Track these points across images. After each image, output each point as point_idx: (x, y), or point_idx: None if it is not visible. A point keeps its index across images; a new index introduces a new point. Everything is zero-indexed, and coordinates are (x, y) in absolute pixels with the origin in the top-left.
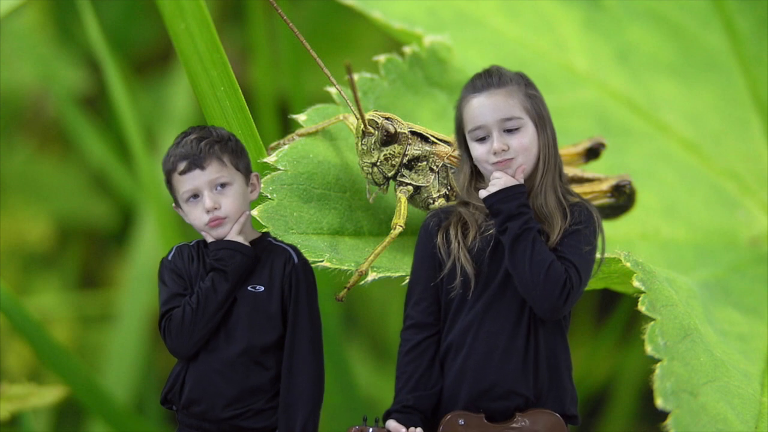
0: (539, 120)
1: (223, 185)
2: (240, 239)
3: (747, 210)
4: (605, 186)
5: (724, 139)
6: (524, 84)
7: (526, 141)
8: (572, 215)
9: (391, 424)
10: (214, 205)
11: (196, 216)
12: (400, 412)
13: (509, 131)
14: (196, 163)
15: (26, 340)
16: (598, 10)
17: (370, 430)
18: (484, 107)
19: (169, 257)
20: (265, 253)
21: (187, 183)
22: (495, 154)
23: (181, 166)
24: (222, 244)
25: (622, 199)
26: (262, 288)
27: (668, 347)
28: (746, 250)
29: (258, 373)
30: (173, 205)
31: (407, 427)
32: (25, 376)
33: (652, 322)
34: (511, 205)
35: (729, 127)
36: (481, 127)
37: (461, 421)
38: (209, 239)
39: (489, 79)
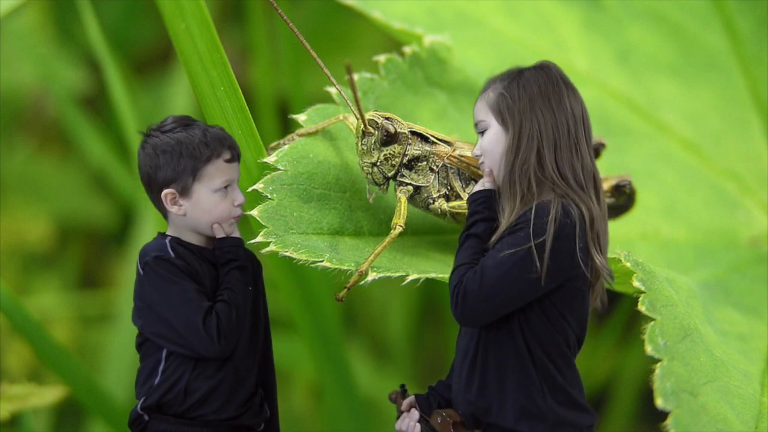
0: (502, 118)
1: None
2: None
3: (747, 210)
4: (605, 186)
5: (724, 139)
6: (508, 81)
7: (485, 142)
8: (519, 215)
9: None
10: (243, 200)
11: (225, 208)
12: (429, 390)
13: (481, 134)
14: (237, 155)
15: (26, 340)
16: (598, 10)
17: (405, 398)
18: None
19: (172, 254)
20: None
21: (228, 172)
22: (476, 156)
23: (228, 154)
24: (233, 241)
25: (622, 199)
26: (250, 287)
27: (668, 347)
28: (746, 250)
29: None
30: (167, 191)
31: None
32: (25, 376)
33: (652, 322)
34: (469, 211)
35: (729, 127)
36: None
37: (438, 419)
38: (219, 234)
39: (485, 87)
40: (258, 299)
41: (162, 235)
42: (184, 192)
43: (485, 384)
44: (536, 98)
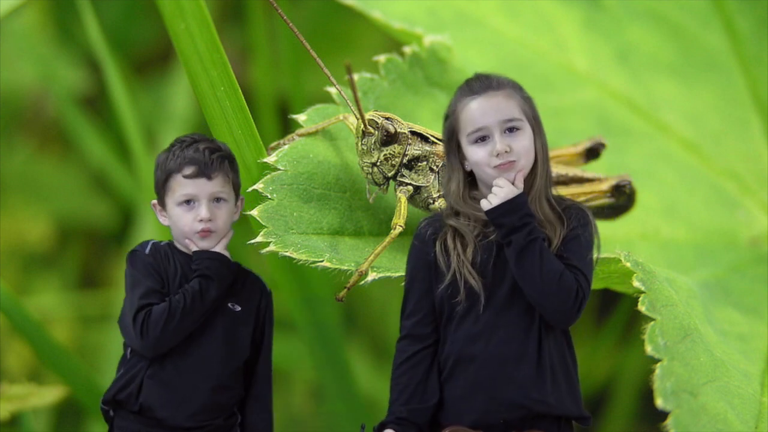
0: (536, 123)
1: (219, 200)
2: (226, 254)
3: (747, 210)
4: (605, 186)
5: (724, 139)
6: (519, 87)
7: (527, 143)
8: (569, 219)
9: None
10: (211, 216)
11: (187, 222)
12: (396, 423)
13: (510, 133)
14: (205, 171)
15: (26, 340)
16: (598, 10)
17: None
18: (484, 109)
19: (146, 251)
20: (240, 275)
21: (188, 187)
22: (498, 156)
23: (189, 170)
24: (209, 254)
25: (622, 199)
26: (239, 308)
27: (668, 347)
28: (746, 250)
29: (224, 389)
30: (154, 202)
31: None
32: (25, 376)
33: (652, 322)
34: (514, 217)
35: (729, 127)
36: (481, 128)
37: None
38: (192, 247)
39: (487, 81)
40: (245, 322)
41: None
42: (161, 204)
43: (556, 379)
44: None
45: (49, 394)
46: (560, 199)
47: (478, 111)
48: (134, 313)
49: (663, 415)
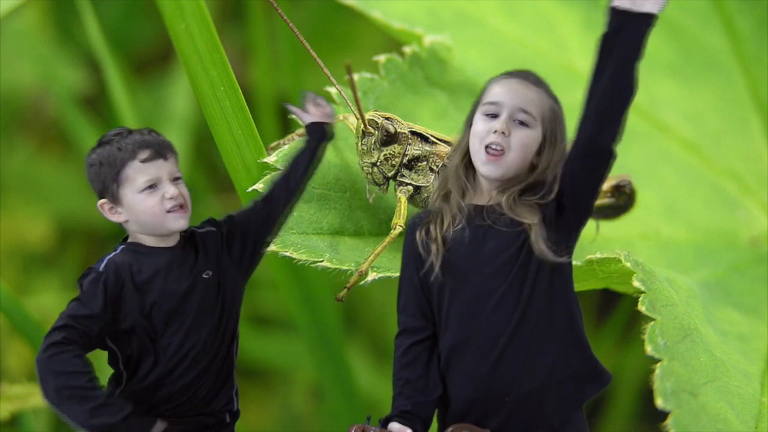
0: (550, 135)
1: (177, 179)
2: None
3: (747, 210)
4: (605, 186)
5: (724, 139)
6: (555, 99)
7: (527, 141)
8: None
9: (395, 425)
10: (177, 192)
11: (153, 204)
12: (400, 416)
13: (517, 125)
14: (160, 152)
15: (26, 340)
16: (598, 10)
17: (373, 429)
18: (509, 87)
19: (107, 273)
20: (193, 241)
21: (148, 171)
22: (494, 133)
23: (145, 153)
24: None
25: (622, 199)
26: (211, 272)
27: (668, 347)
28: (746, 250)
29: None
30: (102, 201)
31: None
32: (25, 376)
33: (652, 322)
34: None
35: (729, 127)
36: (495, 103)
37: None
38: (165, 228)
39: (529, 74)
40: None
41: (121, 242)
42: (115, 199)
43: (554, 344)
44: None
45: None
46: None
47: (502, 87)
48: (51, 329)
49: (663, 415)
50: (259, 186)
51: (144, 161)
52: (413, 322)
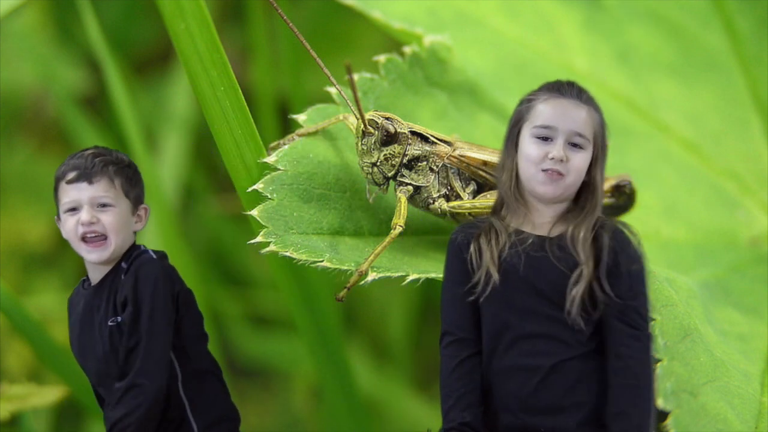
0: (601, 152)
1: (104, 205)
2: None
3: (747, 210)
4: (605, 186)
5: (724, 139)
6: (601, 113)
7: (582, 165)
8: (605, 246)
9: None
10: (91, 219)
11: (71, 227)
12: (459, 429)
13: (572, 147)
14: (85, 175)
15: (26, 340)
16: (598, 10)
17: None
18: (562, 110)
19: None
20: (116, 280)
21: (70, 193)
22: (552, 159)
23: (70, 175)
24: None
25: (622, 199)
26: (120, 318)
27: (668, 347)
28: (746, 250)
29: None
30: (55, 217)
31: None
32: (25, 376)
33: (652, 322)
34: None
35: (729, 127)
36: (550, 127)
37: None
38: (88, 267)
39: (577, 91)
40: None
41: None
42: (58, 216)
43: (585, 388)
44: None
45: (49, 394)
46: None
47: (554, 109)
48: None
49: (663, 415)
50: (259, 186)
51: (69, 182)
52: (468, 334)
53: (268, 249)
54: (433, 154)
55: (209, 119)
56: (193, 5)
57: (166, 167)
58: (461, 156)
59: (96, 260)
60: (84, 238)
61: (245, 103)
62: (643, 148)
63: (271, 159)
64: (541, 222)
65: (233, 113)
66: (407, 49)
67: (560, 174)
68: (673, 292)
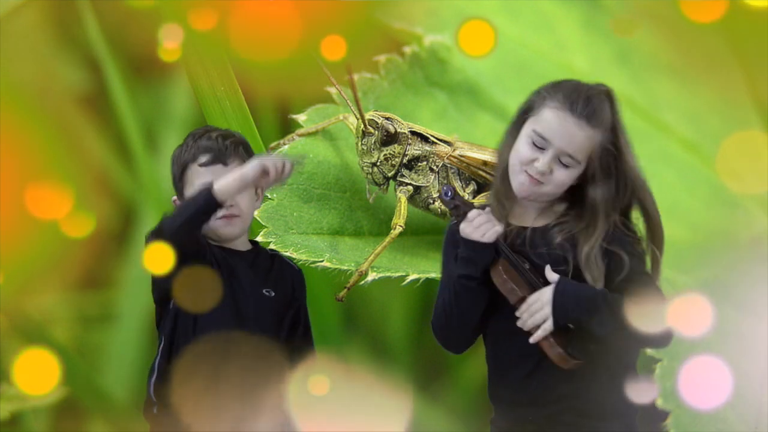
0: (600, 172)
1: None
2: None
3: (747, 210)
4: None
5: (724, 139)
6: (609, 132)
7: (564, 179)
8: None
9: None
10: (231, 201)
11: None
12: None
13: (560, 162)
14: (220, 157)
15: (26, 340)
16: (598, 10)
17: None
18: (564, 128)
19: None
20: (269, 259)
21: (206, 176)
22: (536, 168)
23: (204, 158)
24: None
25: None
26: (273, 293)
27: (668, 347)
28: (746, 250)
29: None
30: (174, 198)
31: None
32: None
33: None
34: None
35: (729, 127)
36: (545, 139)
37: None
38: (215, 234)
39: (589, 110)
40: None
41: None
42: (181, 198)
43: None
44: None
45: (49, 394)
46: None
47: (557, 122)
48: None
49: (663, 414)
50: None
51: (202, 165)
52: None
53: (267, 249)
54: (433, 154)
55: (209, 119)
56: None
57: (166, 167)
58: (461, 156)
59: (228, 236)
60: (226, 217)
61: (245, 103)
62: (643, 148)
63: None
64: (523, 213)
65: (233, 113)
66: (407, 49)
67: (539, 182)
68: (672, 291)
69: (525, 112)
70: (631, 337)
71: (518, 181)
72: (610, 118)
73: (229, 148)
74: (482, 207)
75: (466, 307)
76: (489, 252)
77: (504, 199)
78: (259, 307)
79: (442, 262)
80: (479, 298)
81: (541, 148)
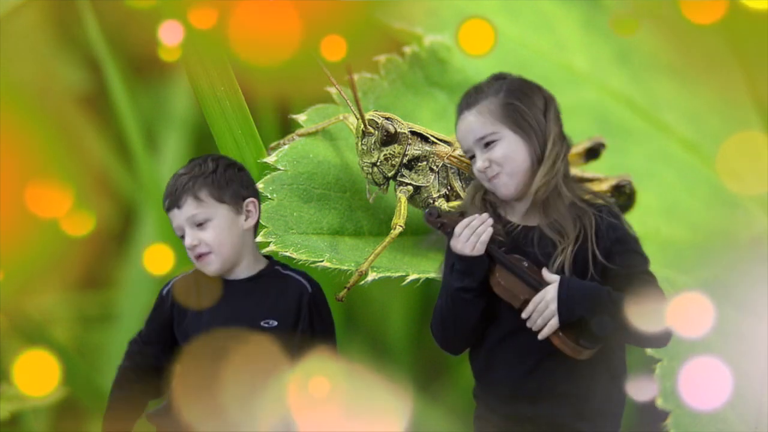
0: (520, 128)
1: (200, 223)
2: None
3: (747, 210)
4: (605, 186)
5: (724, 139)
6: (504, 93)
7: (504, 151)
8: (587, 220)
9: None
10: (193, 242)
11: (188, 251)
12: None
13: (488, 146)
14: (173, 201)
15: (26, 340)
16: (598, 10)
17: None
18: (462, 131)
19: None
20: (274, 284)
21: (173, 221)
22: (480, 172)
23: (165, 204)
24: None
25: (622, 199)
26: (276, 323)
27: (668, 347)
28: (746, 250)
29: None
30: None
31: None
32: None
33: None
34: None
35: (729, 127)
36: (467, 150)
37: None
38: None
39: (466, 98)
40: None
41: None
42: None
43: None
44: (541, 105)
45: (50, 394)
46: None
47: (459, 134)
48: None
49: (663, 414)
50: (259, 186)
51: (167, 211)
52: None
53: (268, 249)
54: (433, 154)
55: (209, 119)
56: None
57: (166, 167)
58: (461, 156)
59: (213, 273)
60: (197, 258)
61: (245, 103)
62: (643, 148)
63: (271, 159)
64: (514, 211)
65: (233, 113)
66: (407, 49)
67: (495, 175)
68: (672, 291)
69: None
70: (631, 337)
71: (491, 189)
72: (489, 85)
73: (179, 188)
74: (461, 214)
75: (463, 316)
76: (482, 262)
77: (498, 207)
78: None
79: (443, 264)
80: (475, 308)
81: (473, 156)
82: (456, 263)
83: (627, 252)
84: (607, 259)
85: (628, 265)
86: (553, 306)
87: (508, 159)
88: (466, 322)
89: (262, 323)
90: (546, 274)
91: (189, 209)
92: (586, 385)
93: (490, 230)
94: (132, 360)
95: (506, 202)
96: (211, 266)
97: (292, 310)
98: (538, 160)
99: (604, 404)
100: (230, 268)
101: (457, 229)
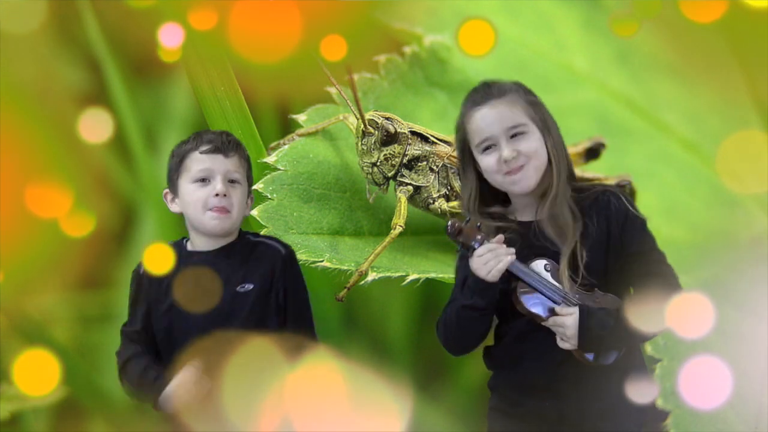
0: (543, 125)
1: (233, 182)
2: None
3: (747, 210)
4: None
5: (724, 139)
6: (523, 92)
7: (534, 144)
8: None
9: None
10: (226, 191)
11: (200, 198)
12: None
13: (515, 138)
14: (221, 148)
15: (26, 340)
16: (598, 10)
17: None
18: (488, 118)
19: (140, 270)
20: (247, 249)
21: (204, 162)
22: (506, 162)
23: (205, 147)
24: None
25: None
26: (251, 286)
27: (668, 347)
28: (746, 250)
29: None
30: (166, 190)
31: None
32: None
33: None
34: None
35: (729, 127)
36: (488, 138)
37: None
38: (201, 231)
39: (488, 90)
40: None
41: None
42: (173, 189)
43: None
44: (547, 112)
45: (50, 394)
46: (583, 190)
47: (483, 121)
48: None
49: (663, 414)
50: (259, 186)
51: (203, 152)
52: None
53: None
54: (433, 154)
55: (209, 119)
56: None
57: (166, 167)
58: None
59: (219, 230)
60: (210, 209)
61: (245, 103)
62: (643, 148)
63: (271, 159)
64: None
65: (233, 113)
66: (407, 49)
67: (520, 167)
68: None
69: (463, 150)
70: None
71: (506, 183)
72: (509, 83)
73: (231, 143)
74: (479, 227)
75: (468, 330)
76: (494, 289)
77: (503, 215)
78: (233, 306)
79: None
80: (481, 324)
81: (493, 146)
82: (471, 279)
83: (636, 232)
84: (617, 242)
85: (640, 245)
86: (574, 341)
87: (537, 153)
88: (470, 336)
89: (238, 288)
90: (561, 311)
91: (232, 164)
92: (616, 382)
93: (509, 259)
94: (134, 345)
95: (506, 200)
96: (225, 223)
97: (267, 272)
98: (549, 160)
99: (627, 403)
100: (224, 236)
101: (481, 250)
